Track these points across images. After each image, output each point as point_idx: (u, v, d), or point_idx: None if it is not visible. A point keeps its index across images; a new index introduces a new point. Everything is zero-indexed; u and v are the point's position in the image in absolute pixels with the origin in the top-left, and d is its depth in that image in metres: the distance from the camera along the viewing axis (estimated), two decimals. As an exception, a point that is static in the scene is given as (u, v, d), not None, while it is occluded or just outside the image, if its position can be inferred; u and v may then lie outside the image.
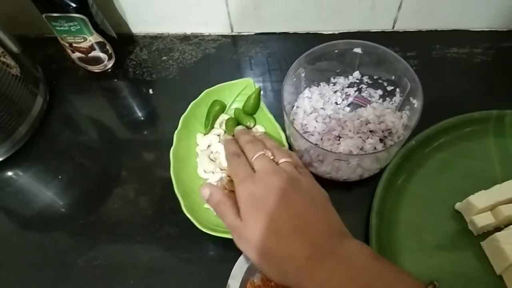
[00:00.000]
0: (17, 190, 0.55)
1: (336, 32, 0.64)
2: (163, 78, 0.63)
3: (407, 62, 0.46)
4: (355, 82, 0.54)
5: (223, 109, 0.55)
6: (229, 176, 0.49)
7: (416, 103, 0.46)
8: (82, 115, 0.62)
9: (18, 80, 0.55)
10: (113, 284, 0.47)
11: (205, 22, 0.65)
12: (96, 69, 0.63)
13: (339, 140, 0.50)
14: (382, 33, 0.64)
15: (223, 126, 0.53)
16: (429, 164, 0.50)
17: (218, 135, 0.53)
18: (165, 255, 0.49)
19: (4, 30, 0.56)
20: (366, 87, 0.54)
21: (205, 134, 0.53)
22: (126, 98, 0.63)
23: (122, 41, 0.64)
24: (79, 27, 0.55)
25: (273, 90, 0.60)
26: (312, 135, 0.51)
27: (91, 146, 0.59)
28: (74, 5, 0.52)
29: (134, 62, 0.65)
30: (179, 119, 0.52)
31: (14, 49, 0.56)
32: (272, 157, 0.39)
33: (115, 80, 0.64)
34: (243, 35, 0.66)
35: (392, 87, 0.51)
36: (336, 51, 0.50)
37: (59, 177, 0.55)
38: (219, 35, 0.66)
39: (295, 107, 0.54)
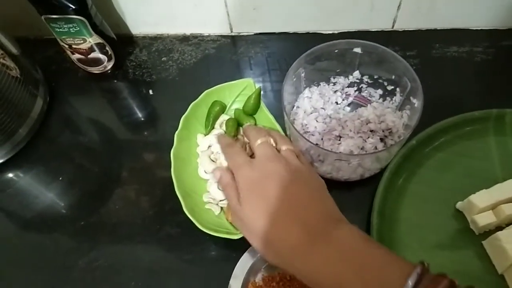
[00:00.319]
0: (18, 191, 0.55)
1: (336, 32, 0.64)
2: (163, 79, 0.63)
3: (407, 62, 0.46)
4: (355, 82, 0.54)
5: (223, 109, 0.54)
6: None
7: (417, 102, 0.46)
8: (82, 116, 0.62)
9: (18, 82, 0.54)
10: (113, 285, 0.47)
11: (204, 23, 0.65)
12: (95, 70, 0.63)
13: (339, 140, 0.50)
14: (382, 33, 0.64)
15: (224, 127, 0.53)
16: (429, 163, 0.50)
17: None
18: (166, 256, 0.49)
19: (4, 32, 0.56)
20: (366, 87, 0.54)
21: (205, 135, 0.53)
22: (126, 99, 0.62)
23: (121, 42, 0.64)
24: (78, 28, 0.55)
25: (273, 90, 0.60)
26: (312, 135, 0.51)
27: (91, 147, 0.59)
28: (73, 6, 0.52)
29: (134, 63, 0.65)
30: (179, 119, 0.52)
31: (14, 50, 0.56)
32: (274, 144, 0.40)
33: (115, 81, 0.64)
34: (243, 35, 0.66)
35: (392, 87, 0.51)
36: (336, 51, 0.49)
37: (60, 178, 0.55)
38: (218, 36, 0.66)
39: (295, 107, 0.54)
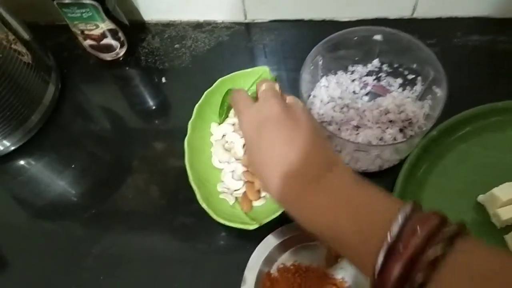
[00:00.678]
0: (29, 179, 0.55)
1: (353, 19, 0.62)
2: (175, 66, 0.62)
3: (428, 50, 0.45)
4: (373, 71, 0.52)
5: None
6: (245, 166, 0.49)
7: (440, 92, 0.44)
8: (94, 103, 0.61)
9: (30, 67, 0.54)
10: (126, 274, 0.47)
11: (218, 9, 0.63)
12: (108, 57, 0.62)
13: (357, 130, 0.49)
14: (401, 20, 0.62)
15: None
16: (451, 155, 0.49)
17: (233, 125, 0.51)
18: (180, 246, 0.48)
19: (15, 17, 0.55)
20: (386, 76, 0.52)
21: (219, 124, 0.52)
22: (138, 86, 0.62)
23: (133, 28, 0.63)
24: (91, 13, 0.54)
25: (288, 79, 0.58)
26: (329, 125, 0.50)
27: (103, 135, 0.58)
28: (86, -10, 0.51)
29: (146, 50, 0.64)
30: (192, 108, 0.51)
31: (26, 36, 0.56)
32: (279, 91, 0.38)
33: (127, 68, 0.63)
34: (257, 23, 0.64)
35: (413, 76, 0.50)
36: (355, 38, 0.48)
37: (72, 166, 0.55)
38: (232, 23, 0.65)
39: (311, 96, 0.53)
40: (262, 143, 0.33)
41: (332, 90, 0.52)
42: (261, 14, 0.63)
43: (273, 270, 0.45)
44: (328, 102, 0.51)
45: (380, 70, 0.52)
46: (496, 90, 0.54)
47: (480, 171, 0.47)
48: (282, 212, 0.43)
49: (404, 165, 0.47)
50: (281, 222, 0.44)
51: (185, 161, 0.47)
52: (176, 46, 0.63)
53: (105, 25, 0.56)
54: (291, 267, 0.45)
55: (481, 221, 0.45)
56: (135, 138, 0.57)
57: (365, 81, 0.53)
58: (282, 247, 0.45)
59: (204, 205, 0.45)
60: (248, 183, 0.48)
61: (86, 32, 0.57)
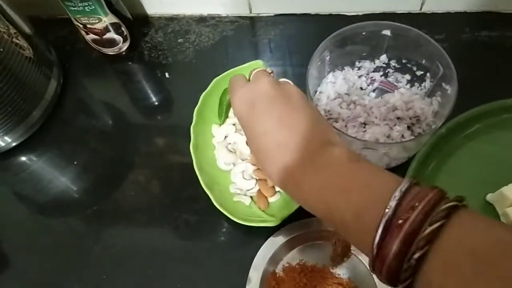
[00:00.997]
0: (31, 175, 0.54)
1: (360, 14, 0.61)
2: (179, 61, 0.61)
3: (436, 46, 0.44)
4: (381, 67, 0.51)
5: None
6: (254, 165, 0.48)
7: (450, 89, 0.43)
8: (97, 99, 0.60)
9: (31, 62, 0.53)
10: (130, 272, 0.46)
11: (222, 3, 0.62)
12: (110, 51, 0.61)
13: (364, 127, 0.48)
14: (409, 15, 0.61)
15: None
16: (459, 153, 0.48)
17: (234, 124, 0.51)
18: (184, 244, 0.47)
19: (16, 10, 0.54)
20: (393, 72, 0.51)
21: (220, 125, 0.51)
22: (141, 81, 0.61)
23: (136, 22, 0.61)
24: (93, 7, 0.53)
25: (294, 74, 0.57)
26: (336, 121, 0.49)
27: (105, 131, 0.57)
28: (88, -17, 0.50)
29: (149, 45, 0.63)
30: (196, 103, 0.50)
31: (27, 30, 0.55)
32: (271, 73, 0.38)
33: (130, 63, 0.62)
34: (262, 17, 0.63)
35: (422, 72, 0.49)
36: (363, 33, 0.47)
37: (74, 162, 0.54)
38: (237, 17, 0.64)
39: (317, 92, 0.52)
40: (254, 120, 0.33)
41: (339, 86, 0.51)
42: (267, 8, 0.62)
43: (279, 270, 0.44)
44: (334, 99, 0.50)
45: (387, 66, 0.51)
46: (505, 86, 0.53)
47: (489, 169, 0.46)
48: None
49: (412, 163, 0.46)
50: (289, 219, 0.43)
51: (194, 167, 0.46)
52: (180, 40, 0.62)
53: (107, 19, 0.55)
54: (297, 266, 0.44)
55: (490, 221, 0.44)
56: (138, 134, 0.56)
57: (372, 77, 0.52)
58: (287, 246, 0.44)
59: (221, 209, 0.44)
60: (260, 180, 0.47)
61: (88, 26, 0.56)
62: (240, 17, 0.64)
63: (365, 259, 0.44)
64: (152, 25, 0.64)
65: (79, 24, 0.56)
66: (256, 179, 0.47)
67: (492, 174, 0.46)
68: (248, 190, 0.47)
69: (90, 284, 0.46)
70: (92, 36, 0.58)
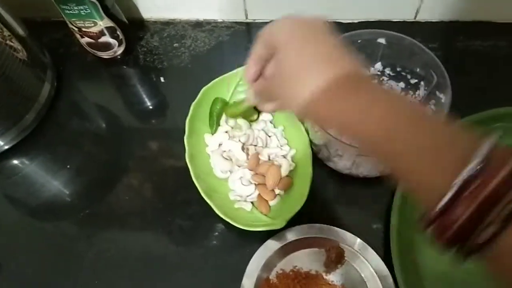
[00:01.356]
0: (24, 179, 0.54)
1: (355, 21, 0.62)
2: (174, 66, 0.61)
3: (430, 54, 0.44)
4: (376, 74, 0.52)
5: (225, 104, 0.52)
6: (252, 170, 0.48)
7: (444, 97, 0.43)
8: (91, 102, 0.60)
9: (25, 64, 0.52)
10: (121, 276, 0.46)
11: (218, 8, 0.62)
12: (105, 55, 0.60)
13: (359, 134, 0.48)
14: (403, 23, 0.61)
15: (230, 122, 0.51)
16: (452, 161, 0.48)
17: (226, 132, 0.50)
18: (177, 249, 0.47)
19: (10, 13, 0.53)
20: (388, 80, 0.52)
21: (212, 134, 0.51)
22: (136, 86, 0.61)
23: (132, 26, 0.61)
24: (89, 11, 0.53)
25: (289, 80, 0.57)
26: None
27: (99, 134, 0.57)
28: (84, -13, 0.50)
29: (145, 49, 0.62)
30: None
31: (21, 32, 0.54)
32: None
33: (125, 67, 0.62)
34: (258, 22, 0.64)
35: (416, 80, 0.49)
36: (359, 41, 0.47)
37: (67, 166, 0.54)
38: (233, 22, 0.64)
39: (313, 99, 0.52)
40: (299, 38, 0.32)
41: (334, 93, 0.51)
42: (263, 14, 0.63)
43: (272, 276, 0.44)
44: (329, 105, 0.50)
45: (382, 73, 0.52)
46: (498, 95, 0.53)
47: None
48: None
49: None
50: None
51: (192, 177, 0.46)
52: (176, 45, 0.62)
53: (103, 23, 0.55)
54: (290, 273, 0.44)
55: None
56: (132, 138, 0.56)
57: (367, 84, 0.52)
58: (281, 253, 0.44)
59: (225, 218, 0.44)
60: (259, 185, 0.47)
61: (83, 30, 0.56)
62: (236, 22, 0.64)
63: (358, 266, 0.44)
64: (148, 29, 0.64)
65: (74, 28, 0.56)
66: (255, 184, 0.47)
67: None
68: (248, 195, 0.47)
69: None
70: (87, 39, 0.58)
